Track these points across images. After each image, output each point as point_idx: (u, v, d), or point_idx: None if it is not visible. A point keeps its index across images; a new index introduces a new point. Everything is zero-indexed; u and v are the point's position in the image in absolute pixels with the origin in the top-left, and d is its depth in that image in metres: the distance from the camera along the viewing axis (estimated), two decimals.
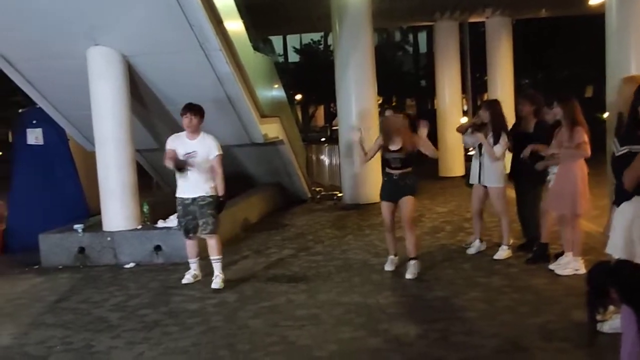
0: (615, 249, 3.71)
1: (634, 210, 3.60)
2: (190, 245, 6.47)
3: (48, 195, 8.92)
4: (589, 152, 5.77)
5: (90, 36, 7.38)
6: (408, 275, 6.17)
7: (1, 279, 7.19)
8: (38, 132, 9.09)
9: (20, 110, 10.06)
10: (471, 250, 7.04)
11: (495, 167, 6.66)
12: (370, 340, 4.55)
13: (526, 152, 6.29)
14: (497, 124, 6.64)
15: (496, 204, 6.79)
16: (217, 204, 6.27)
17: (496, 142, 6.59)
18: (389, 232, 6.51)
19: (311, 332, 4.77)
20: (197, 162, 6.15)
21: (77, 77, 7.60)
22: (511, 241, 6.90)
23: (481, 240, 7.10)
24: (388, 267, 6.51)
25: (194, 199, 6.21)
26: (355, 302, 5.47)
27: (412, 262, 6.27)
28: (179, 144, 6.25)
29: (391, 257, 6.57)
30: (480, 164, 6.77)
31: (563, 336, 4.38)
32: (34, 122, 9.11)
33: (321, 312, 5.25)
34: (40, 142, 9.10)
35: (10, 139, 22.16)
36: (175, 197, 6.38)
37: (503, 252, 6.74)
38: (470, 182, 6.99)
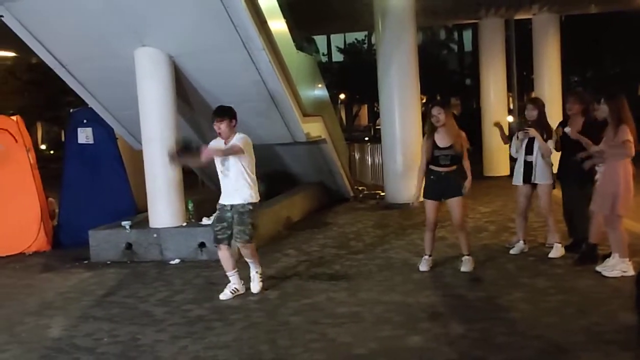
0: None
1: None
2: (224, 258, 5.92)
3: (97, 192, 9.17)
4: (632, 151, 5.62)
5: (138, 37, 7.57)
6: (464, 269, 6.32)
7: (53, 274, 7.45)
8: (88, 131, 9.35)
9: (71, 110, 10.36)
10: (514, 251, 6.95)
11: (546, 163, 6.64)
12: (410, 339, 4.54)
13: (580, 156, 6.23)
14: (544, 121, 6.69)
15: (545, 201, 6.71)
16: (255, 213, 5.87)
17: (548, 137, 6.60)
18: (430, 231, 6.47)
19: (351, 330, 4.79)
20: (230, 165, 5.73)
21: (125, 77, 7.79)
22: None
23: (525, 242, 6.99)
24: (423, 267, 6.48)
25: (232, 206, 5.78)
26: (396, 301, 5.47)
27: (467, 257, 6.40)
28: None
29: (426, 257, 6.53)
30: (532, 162, 6.67)
31: (609, 339, 4.28)
32: (85, 121, 9.38)
33: (362, 310, 5.26)
34: (91, 140, 9.36)
35: (63, 138, 22.83)
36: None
37: (557, 251, 6.65)
38: (515, 182, 6.89)
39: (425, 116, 6.44)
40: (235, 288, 5.94)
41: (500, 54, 15.25)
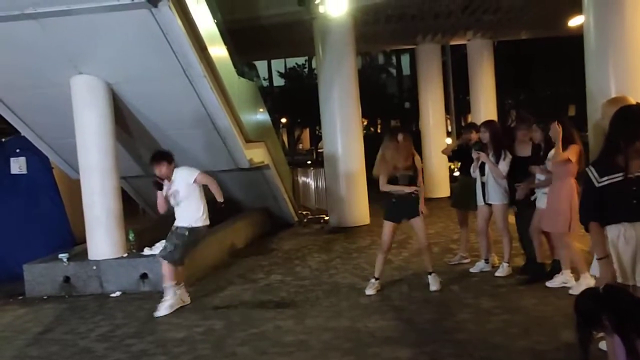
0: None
1: (618, 234, 3.58)
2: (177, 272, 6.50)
3: (33, 224, 8.84)
4: (573, 169, 5.80)
5: (74, 65, 7.37)
6: (433, 287, 6.42)
7: None
8: (22, 161, 9.04)
9: (3, 139, 9.98)
10: (474, 269, 7.05)
11: (499, 184, 6.69)
12: None
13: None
14: (497, 143, 6.71)
15: (499, 222, 6.81)
16: (189, 238, 6.40)
17: (497, 160, 6.65)
18: (383, 254, 6.54)
19: (300, 359, 4.73)
20: (182, 197, 6.37)
21: (61, 105, 7.58)
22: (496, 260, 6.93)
23: (487, 261, 7.07)
24: (369, 291, 6.49)
25: (177, 228, 6.44)
26: (344, 327, 5.44)
27: (433, 274, 6.52)
28: (165, 187, 6.46)
29: (373, 280, 6.57)
30: (483, 183, 6.79)
31: (552, 357, 4.38)
32: (18, 150, 9.07)
33: (309, 337, 5.21)
34: (24, 171, 9.06)
35: None
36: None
37: (504, 270, 6.77)
38: (478, 203, 6.93)
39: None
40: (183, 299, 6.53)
41: (437, 77, 15.62)
